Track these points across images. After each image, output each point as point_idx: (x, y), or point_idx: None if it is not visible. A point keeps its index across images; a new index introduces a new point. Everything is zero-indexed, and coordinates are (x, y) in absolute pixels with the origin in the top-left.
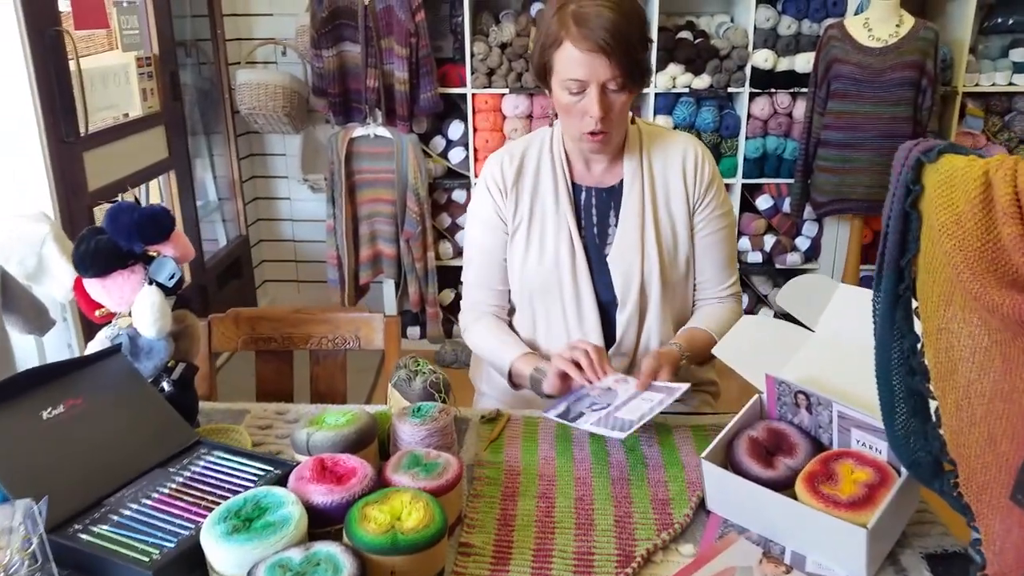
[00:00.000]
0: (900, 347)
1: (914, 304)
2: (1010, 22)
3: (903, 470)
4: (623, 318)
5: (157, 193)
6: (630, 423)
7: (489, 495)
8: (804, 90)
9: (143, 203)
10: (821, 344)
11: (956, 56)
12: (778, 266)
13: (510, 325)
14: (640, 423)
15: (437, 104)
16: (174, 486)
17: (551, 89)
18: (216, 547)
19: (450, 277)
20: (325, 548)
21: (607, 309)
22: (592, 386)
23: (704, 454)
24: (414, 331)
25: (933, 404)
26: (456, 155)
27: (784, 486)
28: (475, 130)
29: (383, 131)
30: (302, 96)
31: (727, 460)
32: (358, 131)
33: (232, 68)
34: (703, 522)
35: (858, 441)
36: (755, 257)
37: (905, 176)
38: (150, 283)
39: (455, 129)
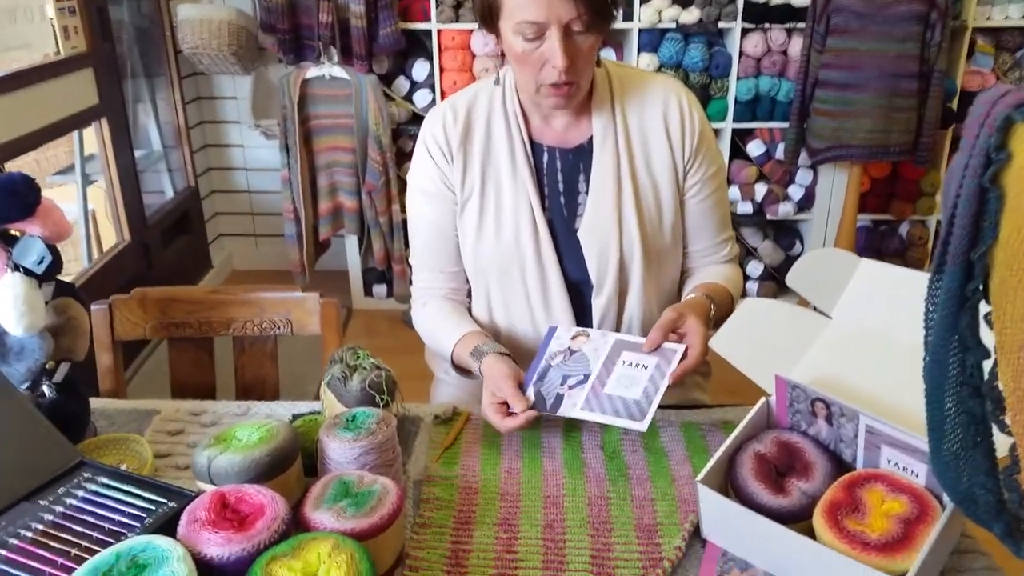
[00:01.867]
0: (960, 362)
1: (985, 309)
2: None
3: (945, 496)
4: (600, 303)
5: (93, 143)
6: (636, 405)
7: (439, 523)
8: (801, 25)
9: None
10: (841, 334)
11: None
12: (769, 217)
13: (469, 310)
14: (656, 403)
15: (398, 41)
16: (41, 527)
17: (499, 35)
18: None
19: None
20: None
21: (580, 291)
22: (551, 354)
23: (700, 477)
24: (380, 290)
25: (1005, 440)
26: (421, 98)
27: (799, 517)
28: (442, 70)
29: (339, 71)
30: (250, 33)
31: (728, 479)
32: (312, 71)
33: (173, 3)
34: (698, 555)
35: (889, 460)
36: (745, 208)
37: (985, 140)
38: (15, 269)
39: (420, 69)
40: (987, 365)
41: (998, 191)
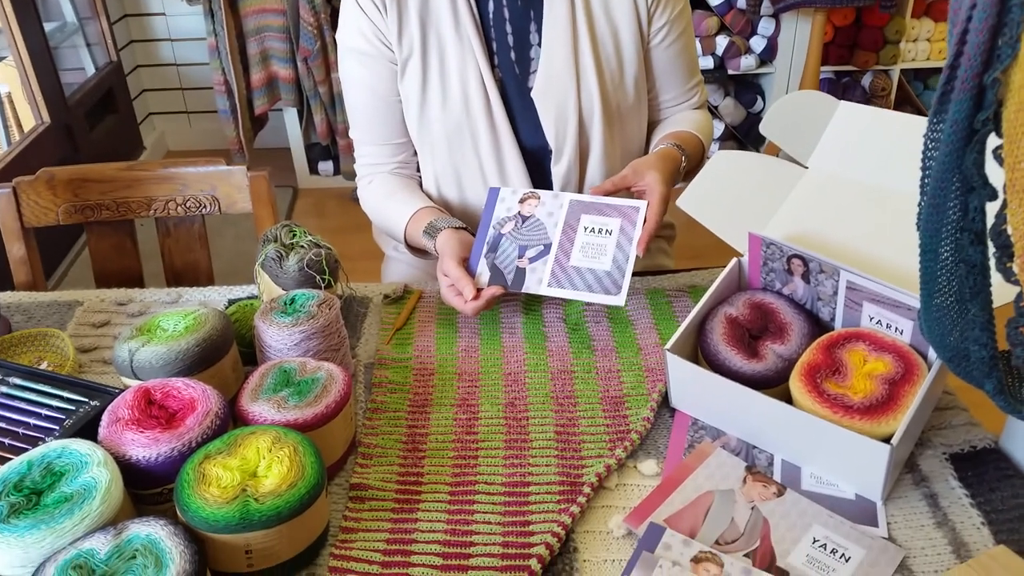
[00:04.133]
0: (962, 205)
1: (994, 143)
2: None
3: (931, 354)
4: (560, 171)
5: None
6: (608, 276)
7: (393, 407)
8: None
9: None
10: (818, 185)
11: None
12: (731, 71)
13: (420, 185)
14: (629, 273)
15: None
16: None
17: None
18: None
19: None
20: (144, 531)
21: (537, 158)
22: (500, 221)
23: (669, 345)
24: (326, 167)
25: (1004, 291)
26: None
27: (775, 382)
28: None
29: None
30: None
31: (698, 346)
32: None
33: None
34: (667, 425)
35: (872, 318)
36: (705, 62)
37: None
38: None
39: None
40: (991, 209)
41: None
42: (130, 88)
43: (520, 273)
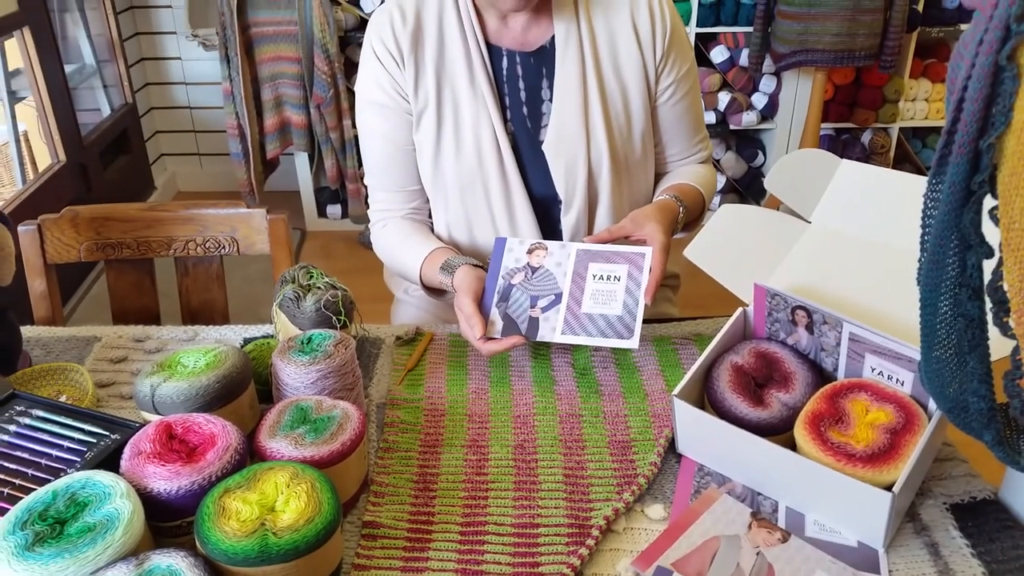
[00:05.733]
0: (960, 261)
1: (990, 204)
2: None
3: (931, 405)
4: (569, 221)
5: (16, 56)
6: (620, 321)
7: (404, 447)
8: None
9: None
10: (820, 239)
11: None
12: (732, 127)
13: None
14: (640, 316)
15: None
16: None
17: None
18: (9, 569)
19: None
20: (165, 561)
21: (547, 207)
22: (509, 272)
23: (676, 391)
24: (334, 210)
25: (1002, 344)
26: (370, 2)
27: (779, 430)
28: None
29: None
30: None
31: (704, 393)
32: None
33: None
34: (673, 471)
35: (873, 369)
36: (708, 118)
37: (1005, 11)
38: None
39: None
40: (988, 266)
41: (1015, 70)
42: (144, 129)
43: (533, 322)
